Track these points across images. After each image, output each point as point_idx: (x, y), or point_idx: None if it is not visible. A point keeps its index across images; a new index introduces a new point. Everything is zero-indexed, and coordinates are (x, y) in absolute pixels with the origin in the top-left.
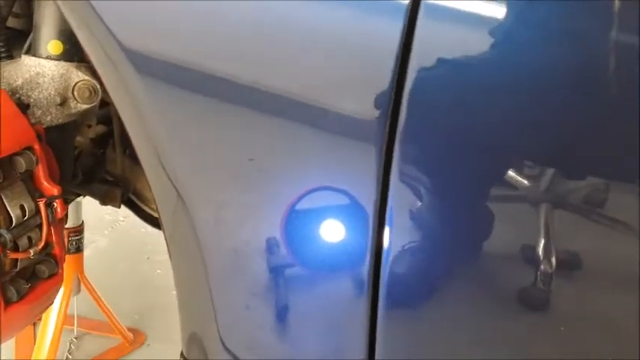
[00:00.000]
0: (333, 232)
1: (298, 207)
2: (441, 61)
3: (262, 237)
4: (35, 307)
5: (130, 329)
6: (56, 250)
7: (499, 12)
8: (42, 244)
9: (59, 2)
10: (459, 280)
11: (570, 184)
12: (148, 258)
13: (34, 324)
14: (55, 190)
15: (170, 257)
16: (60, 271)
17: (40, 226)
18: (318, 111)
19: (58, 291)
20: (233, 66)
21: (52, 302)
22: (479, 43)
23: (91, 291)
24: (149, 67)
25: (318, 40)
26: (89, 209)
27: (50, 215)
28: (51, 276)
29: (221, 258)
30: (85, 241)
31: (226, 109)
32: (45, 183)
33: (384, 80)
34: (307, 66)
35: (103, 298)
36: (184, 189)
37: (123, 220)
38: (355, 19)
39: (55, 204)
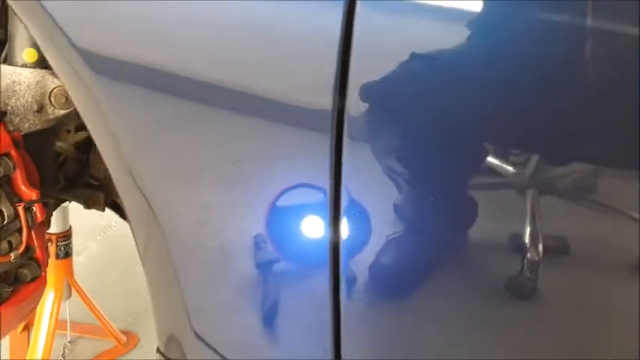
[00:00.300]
0: (296, 229)
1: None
2: (381, 53)
3: (231, 238)
4: (19, 310)
5: (123, 332)
6: (38, 254)
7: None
8: (22, 247)
9: (11, 2)
10: (419, 274)
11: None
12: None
13: (28, 330)
14: (33, 195)
15: (142, 262)
16: (43, 274)
17: (20, 231)
18: (270, 106)
19: (42, 293)
20: (185, 65)
21: (37, 305)
22: (418, 34)
23: (82, 295)
24: (105, 68)
25: (263, 36)
26: (81, 215)
27: (30, 219)
28: (34, 279)
29: (192, 262)
30: (78, 247)
31: (185, 109)
32: (23, 188)
33: (328, 74)
34: (256, 61)
35: (96, 303)
36: (153, 193)
37: (115, 226)
38: (299, 14)
39: (34, 208)
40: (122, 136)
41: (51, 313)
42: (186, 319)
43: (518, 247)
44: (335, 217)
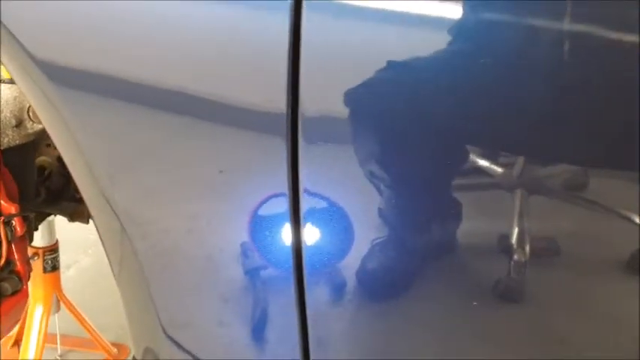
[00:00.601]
0: (263, 233)
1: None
2: (330, 55)
3: (206, 255)
4: (1, 324)
5: (113, 344)
6: (19, 268)
7: (380, 3)
8: (2, 261)
9: None
10: (385, 275)
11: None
12: None
13: (18, 345)
14: (12, 209)
15: (117, 281)
16: (24, 287)
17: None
18: (228, 110)
19: (24, 307)
20: (140, 71)
21: (20, 318)
22: (366, 35)
23: (71, 308)
24: (66, 79)
25: (214, 42)
26: (72, 229)
27: (9, 233)
28: (15, 293)
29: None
30: (69, 261)
31: (143, 116)
32: (2, 202)
33: (280, 76)
34: (209, 68)
35: (87, 316)
36: (125, 214)
37: None
38: (248, 18)
39: (13, 222)
40: (92, 154)
41: (39, 327)
42: (160, 330)
43: (491, 248)
44: (295, 221)
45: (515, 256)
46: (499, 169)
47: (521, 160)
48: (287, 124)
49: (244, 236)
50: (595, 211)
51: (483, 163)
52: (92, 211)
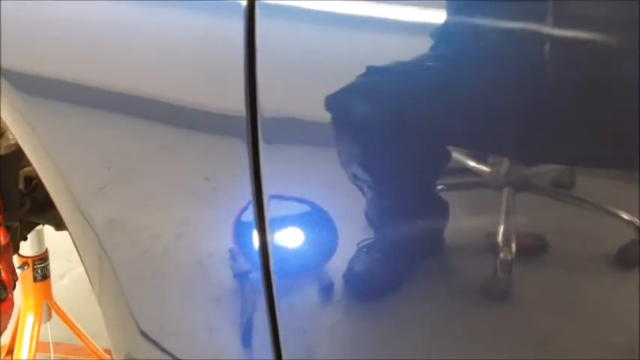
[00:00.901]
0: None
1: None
2: (285, 55)
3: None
4: None
5: (106, 350)
6: (4, 277)
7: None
8: None
9: None
10: (357, 276)
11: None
12: None
13: (11, 354)
14: None
15: (97, 298)
16: (9, 296)
17: None
18: (189, 112)
19: (10, 316)
20: (102, 78)
21: (6, 327)
22: (315, 38)
23: (63, 317)
24: (31, 87)
25: (173, 45)
26: (66, 238)
27: None
28: (0, 301)
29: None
30: (62, 270)
31: (110, 124)
32: None
33: (238, 80)
34: (171, 72)
35: (81, 324)
36: (103, 234)
37: None
38: (205, 24)
39: None
40: (67, 169)
41: (31, 336)
42: (139, 335)
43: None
44: (260, 223)
45: (502, 255)
46: (486, 169)
47: (506, 159)
48: (247, 127)
49: (230, 242)
50: (583, 208)
51: (469, 162)
52: (69, 226)
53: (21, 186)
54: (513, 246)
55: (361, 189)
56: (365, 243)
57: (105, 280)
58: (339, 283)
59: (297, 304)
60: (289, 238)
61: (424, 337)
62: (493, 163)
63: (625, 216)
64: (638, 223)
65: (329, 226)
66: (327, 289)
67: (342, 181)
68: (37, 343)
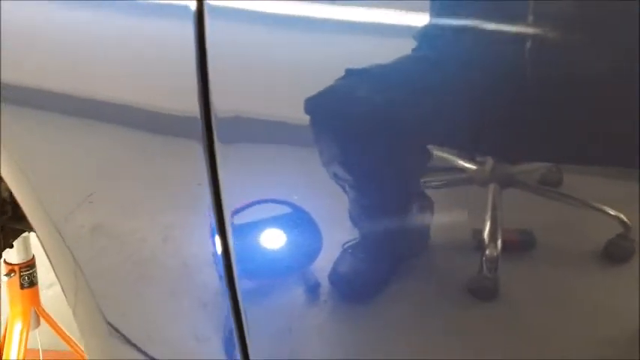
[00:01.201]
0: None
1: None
2: (234, 58)
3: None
4: None
5: None
6: None
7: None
8: None
9: None
10: (306, 274)
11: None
12: None
13: None
14: None
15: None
16: None
17: None
18: (147, 117)
19: None
20: (54, 82)
21: None
22: (264, 39)
23: (52, 323)
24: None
25: (126, 49)
26: None
27: None
28: None
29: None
30: (52, 277)
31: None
32: None
33: (191, 82)
34: (123, 75)
35: (70, 330)
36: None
37: None
38: (156, 27)
39: None
40: (38, 184)
41: (19, 343)
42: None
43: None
44: (220, 224)
45: (488, 252)
46: (472, 166)
47: (490, 158)
48: (202, 126)
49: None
50: (568, 204)
51: (453, 161)
52: (44, 243)
53: (5, 194)
54: (499, 243)
55: (343, 188)
56: (349, 244)
57: (79, 296)
58: (302, 287)
59: (262, 308)
60: (251, 240)
61: (403, 337)
62: (477, 162)
63: (611, 211)
64: (623, 218)
65: (297, 226)
66: (292, 292)
67: (306, 179)
68: (26, 350)
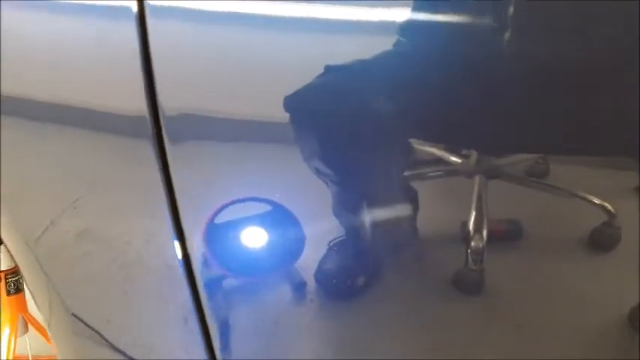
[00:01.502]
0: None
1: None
2: (178, 57)
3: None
4: None
5: None
6: None
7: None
8: None
9: None
10: (268, 271)
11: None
12: None
13: None
14: None
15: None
16: None
17: None
18: (96, 117)
19: None
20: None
21: None
22: (205, 37)
23: (40, 329)
24: None
25: (72, 51)
26: None
27: None
28: None
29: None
30: None
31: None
32: None
33: (136, 82)
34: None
35: None
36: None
37: None
38: (99, 27)
39: None
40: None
41: (7, 349)
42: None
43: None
44: (177, 224)
45: (474, 244)
46: (456, 160)
47: (474, 151)
48: (151, 125)
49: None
50: (554, 193)
51: (438, 154)
52: (18, 260)
53: None
54: (485, 233)
55: (326, 184)
56: (335, 241)
57: (54, 309)
58: (279, 288)
59: (223, 305)
60: (217, 239)
61: (389, 333)
62: (462, 155)
63: (596, 200)
64: (608, 206)
65: (268, 222)
66: (270, 294)
67: (263, 175)
68: (15, 356)
